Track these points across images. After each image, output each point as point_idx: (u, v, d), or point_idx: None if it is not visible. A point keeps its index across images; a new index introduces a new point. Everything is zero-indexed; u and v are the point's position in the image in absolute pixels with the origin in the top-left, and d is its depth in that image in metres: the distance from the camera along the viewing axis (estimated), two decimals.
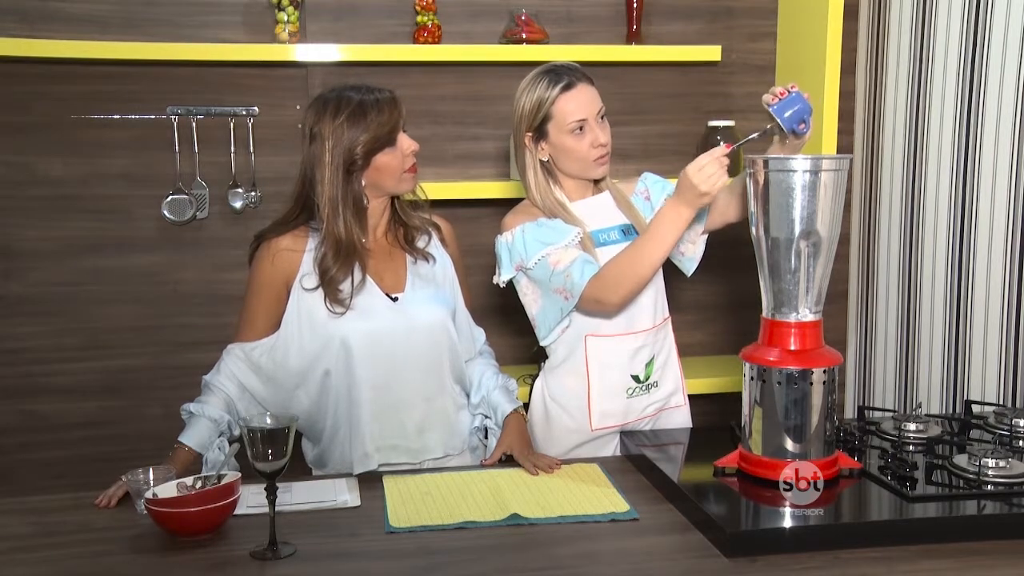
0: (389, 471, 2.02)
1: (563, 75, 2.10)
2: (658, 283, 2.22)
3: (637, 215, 2.19)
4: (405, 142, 2.03)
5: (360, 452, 2.02)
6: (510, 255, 2.12)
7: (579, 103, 2.09)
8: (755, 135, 1.96)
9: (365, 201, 2.03)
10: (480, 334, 2.27)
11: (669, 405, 2.27)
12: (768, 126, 1.96)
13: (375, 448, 2.02)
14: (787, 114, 1.91)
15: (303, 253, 2.03)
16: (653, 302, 2.20)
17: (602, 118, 2.13)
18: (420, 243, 2.12)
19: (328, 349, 2.00)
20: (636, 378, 2.19)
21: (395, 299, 2.06)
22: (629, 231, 2.19)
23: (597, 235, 2.15)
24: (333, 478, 1.97)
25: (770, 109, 1.92)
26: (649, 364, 2.20)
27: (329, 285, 1.99)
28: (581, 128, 2.09)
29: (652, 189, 2.26)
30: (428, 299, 2.08)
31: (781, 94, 1.92)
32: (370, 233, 2.08)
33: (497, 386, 2.18)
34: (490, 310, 2.84)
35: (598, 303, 2.03)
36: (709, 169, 1.88)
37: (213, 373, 2.07)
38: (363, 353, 2.00)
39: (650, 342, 2.20)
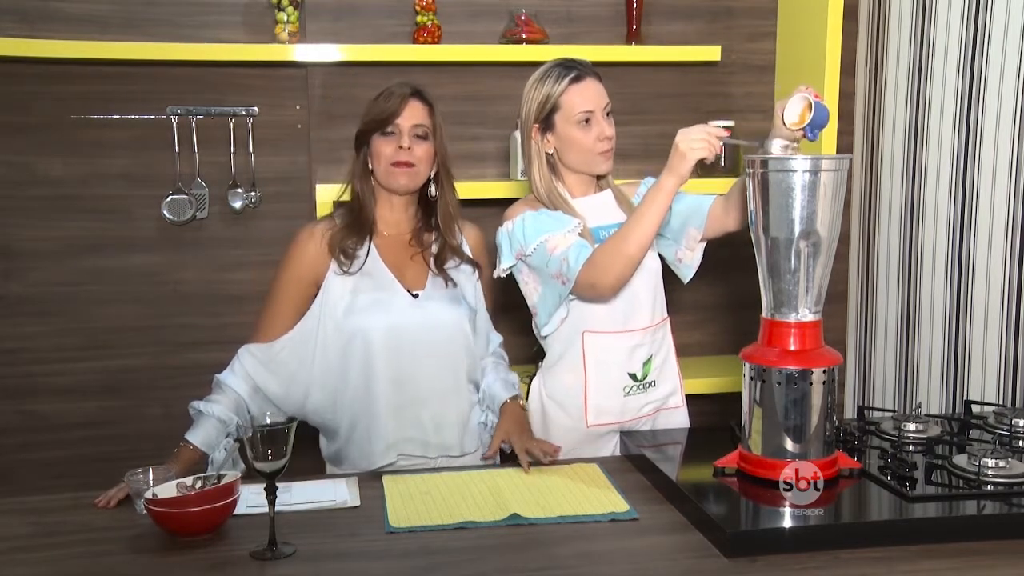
0: (399, 470, 2.02)
1: (573, 68, 2.14)
2: (657, 283, 2.23)
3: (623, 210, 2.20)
4: (403, 138, 2.08)
5: (380, 447, 2.05)
6: (510, 243, 2.14)
7: (586, 95, 2.12)
8: (756, 142, 1.95)
9: (372, 176, 2.13)
10: (496, 338, 2.29)
11: (667, 406, 2.27)
12: (766, 138, 1.95)
13: (393, 441, 2.05)
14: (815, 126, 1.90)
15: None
16: (651, 301, 2.20)
17: (608, 115, 2.15)
18: (449, 264, 2.16)
19: (350, 344, 2.03)
20: (633, 376, 2.19)
21: (416, 295, 2.09)
22: None
23: (597, 231, 2.16)
24: (333, 478, 1.98)
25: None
26: (647, 363, 2.20)
27: (338, 240, 2.08)
28: (588, 120, 2.12)
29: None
30: (448, 298, 2.12)
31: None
32: (391, 224, 2.16)
33: (498, 379, 2.20)
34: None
35: (592, 288, 2.03)
36: (696, 134, 1.88)
37: (227, 373, 2.08)
38: (383, 348, 2.03)
39: (648, 341, 2.20)
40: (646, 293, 2.18)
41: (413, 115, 2.09)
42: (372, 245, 2.12)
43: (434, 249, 2.17)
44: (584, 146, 2.13)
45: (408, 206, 2.17)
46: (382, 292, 2.07)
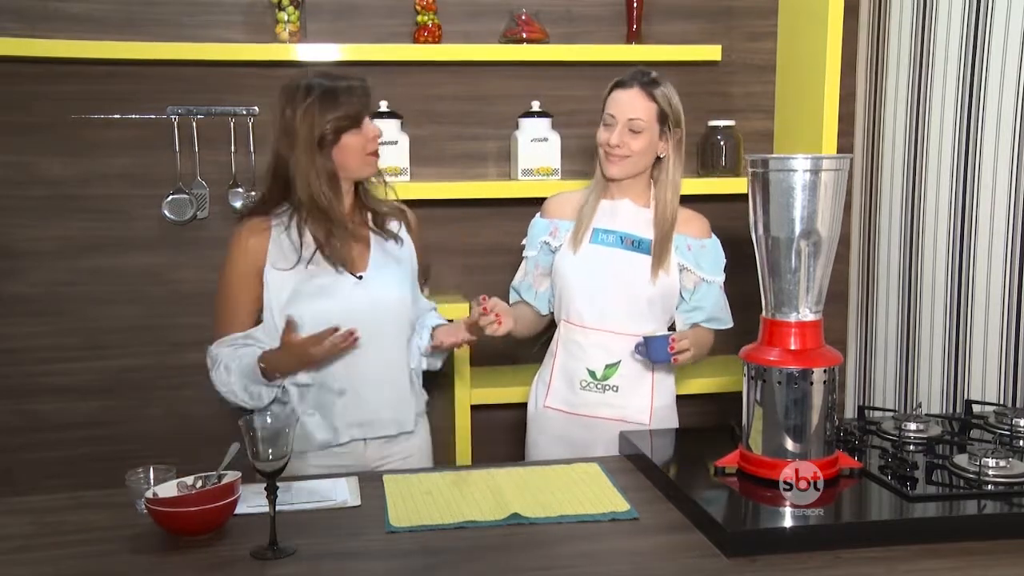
0: (371, 467, 2.07)
1: (629, 75, 2.22)
2: (654, 306, 2.25)
3: (652, 232, 2.24)
4: (369, 127, 2.13)
5: (330, 429, 2.10)
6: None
7: (619, 101, 2.21)
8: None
9: (338, 175, 2.13)
10: (427, 303, 2.34)
11: (630, 419, 2.24)
12: None
13: (345, 424, 2.11)
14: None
15: (269, 232, 2.11)
16: (638, 315, 2.23)
17: (633, 131, 2.19)
18: (391, 226, 2.22)
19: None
20: (592, 373, 2.25)
21: (360, 278, 2.12)
22: (632, 241, 2.24)
23: (598, 232, 2.24)
24: (333, 478, 1.98)
25: None
26: (611, 367, 2.24)
27: (333, 251, 2.09)
28: (607, 124, 2.21)
29: (696, 251, 2.28)
30: (391, 278, 2.16)
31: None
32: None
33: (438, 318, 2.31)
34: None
35: None
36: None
37: (213, 367, 2.09)
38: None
39: (619, 347, 2.23)
40: (632, 304, 2.22)
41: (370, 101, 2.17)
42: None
43: (369, 218, 2.21)
44: (599, 141, 2.23)
45: (350, 191, 2.19)
46: (327, 277, 2.10)
